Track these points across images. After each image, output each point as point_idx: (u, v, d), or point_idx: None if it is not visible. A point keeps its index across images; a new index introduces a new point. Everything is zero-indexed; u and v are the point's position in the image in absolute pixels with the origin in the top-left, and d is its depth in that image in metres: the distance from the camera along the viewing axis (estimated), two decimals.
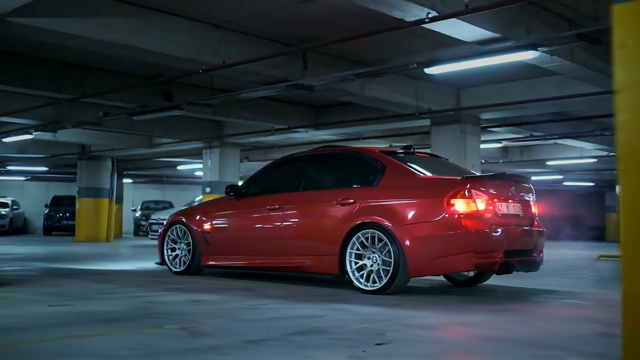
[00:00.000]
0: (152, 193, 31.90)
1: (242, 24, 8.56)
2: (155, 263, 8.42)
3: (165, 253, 7.96)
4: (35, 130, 14.31)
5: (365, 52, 9.71)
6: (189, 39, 8.26)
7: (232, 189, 7.60)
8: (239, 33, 8.79)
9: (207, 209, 7.91)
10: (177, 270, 7.83)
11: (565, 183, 28.13)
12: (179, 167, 23.65)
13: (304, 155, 7.48)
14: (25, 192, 30.61)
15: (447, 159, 7.45)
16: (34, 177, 29.38)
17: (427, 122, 13.64)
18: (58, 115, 13.51)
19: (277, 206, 6.92)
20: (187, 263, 7.72)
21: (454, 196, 5.75)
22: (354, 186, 6.49)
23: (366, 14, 8.03)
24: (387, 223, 5.93)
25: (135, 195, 31.17)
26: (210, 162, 16.81)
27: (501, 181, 6.25)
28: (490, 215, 5.86)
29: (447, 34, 7.01)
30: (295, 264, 6.74)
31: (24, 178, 29.31)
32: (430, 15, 6.04)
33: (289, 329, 4.28)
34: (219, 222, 7.61)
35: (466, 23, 6.60)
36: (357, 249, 6.16)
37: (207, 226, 7.59)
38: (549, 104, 10.71)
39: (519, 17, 7.25)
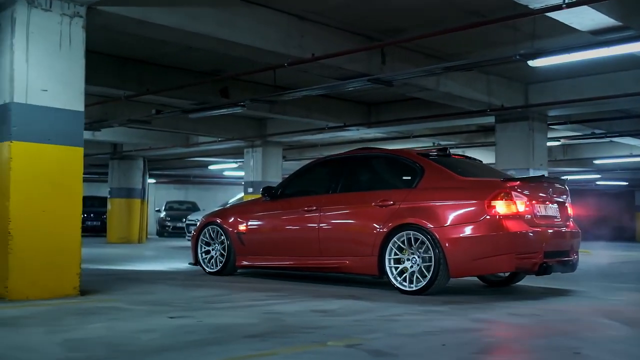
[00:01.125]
0: (175, 193, 31.46)
1: (326, 15, 8.11)
2: (189, 263, 8.41)
3: (199, 253, 8.04)
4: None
5: (443, 45, 9.24)
6: (274, 31, 7.82)
7: (267, 190, 7.67)
8: (322, 25, 8.33)
9: (242, 210, 8.01)
10: (212, 270, 7.93)
11: (598, 182, 27.59)
12: (210, 167, 23.19)
13: (340, 157, 7.53)
14: None
15: (481, 161, 7.50)
16: None
17: (479, 120, 13.23)
18: (103, 114, 13.09)
19: (315, 207, 6.99)
20: (222, 263, 7.83)
21: (495, 198, 5.86)
22: (392, 188, 6.61)
23: (460, 4, 7.62)
24: (427, 224, 6.03)
25: (157, 195, 30.72)
26: (253, 161, 16.36)
27: (539, 183, 6.42)
28: (529, 216, 5.96)
29: (566, 22, 6.55)
30: (333, 264, 6.83)
31: None
32: (567, 1, 5.58)
33: (465, 346, 3.92)
34: (255, 223, 7.68)
35: (593, 10, 6.15)
36: (397, 250, 6.25)
37: (242, 227, 7.68)
38: (630, 99, 10.22)
39: None
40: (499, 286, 7.10)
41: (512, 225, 5.82)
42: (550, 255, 6.05)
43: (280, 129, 15.68)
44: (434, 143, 17.61)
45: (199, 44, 7.72)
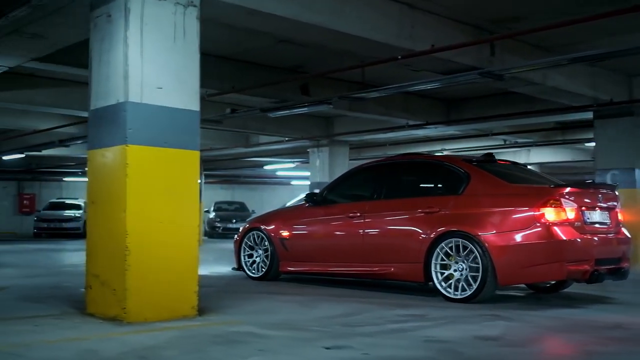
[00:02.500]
0: (221, 194, 31.00)
1: (436, 2, 7.40)
2: (232, 268, 8.38)
3: (243, 259, 8.06)
4: None
5: (550, 35, 8.46)
6: (386, 21, 7.15)
7: (311, 196, 7.74)
8: (432, 14, 7.63)
9: (285, 216, 8.06)
10: (255, 275, 7.94)
11: None
12: (266, 167, 22.65)
13: (384, 163, 7.58)
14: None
15: (527, 167, 7.39)
16: None
17: (573, 116, 12.40)
18: None
19: (359, 214, 6.96)
20: (266, 269, 7.83)
21: (545, 205, 5.78)
22: (438, 194, 6.62)
23: None
24: (474, 231, 5.97)
25: (204, 196, 30.31)
26: (319, 161, 15.75)
27: (589, 189, 6.35)
28: (579, 223, 5.88)
29: None
30: (378, 271, 6.78)
31: None
32: None
33: None
34: (298, 229, 7.68)
35: None
36: (443, 257, 6.20)
37: (285, 233, 7.70)
38: None
39: None
40: (547, 292, 7.03)
41: (562, 233, 5.76)
42: (602, 263, 5.94)
43: (348, 128, 15.07)
44: (505, 141, 16.84)
45: (309, 36, 7.12)
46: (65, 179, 28.33)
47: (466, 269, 6.04)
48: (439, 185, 6.87)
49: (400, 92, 10.20)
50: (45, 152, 18.67)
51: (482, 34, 8.05)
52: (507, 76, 8.28)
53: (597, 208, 6.18)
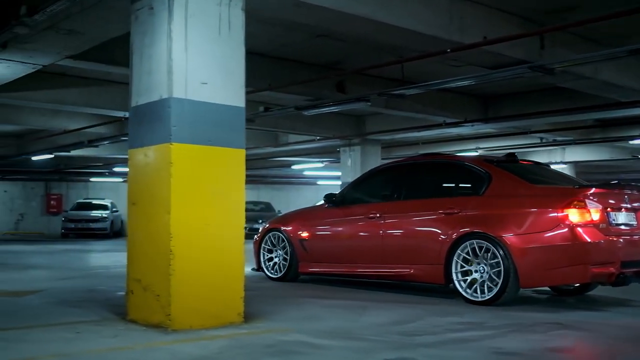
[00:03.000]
0: (247, 194, 30.55)
1: None
2: (252, 269, 8.30)
3: (262, 259, 8.04)
4: None
5: (605, 28, 8.06)
6: (434, 12, 6.83)
7: (330, 197, 7.62)
8: (481, 5, 7.30)
9: (305, 217, 7.97)
10: (275, 276, 7.89)
11: None
12: (294, 167, 22.39)
13: (404, 163, 7.47)
14: (121, 193, 29.93)
15: (550, 167, 7.24)
16: None
17: (606, 114, 11.95)
18: None
19: (378, 215, 6.88)
20: (285, 270, 7.78)
21: (568, 206, 5.67)
22: (458, 195, 6.50)
23: None
24: (496, 233, 5.87)
25: None
26: (350, 161, 15.46)
27: (615, 190, 6.21)
28: (605, 225, 5.75)
29: None
30: (398, 272, 6.71)
31: (120, 180, 28.62)
32: None
33: None
34: (318, 230, 7.60)
35: None
36: (464, 259, 6.11)
37: (304, 234, 7.62)
38: None
39: None
40: (571, 295, 6.89)
41: (586, 235, 5.63)
42: (628, 266, 5.76)
43: (380, 127, 14.75)
44: (541, 139, 16.39)
45: (352, 28, 6.81)
46: (92, 179, 28.34)
47: (488, 271, 5.96)
48: (460, 186, 6.76)
49: (438, 89, 9.88)
50: (73, 153, 18.61)
51: (531, 26, 7.70)
52: (557, 70, 7.92)
53: (622, 209, 6.02)
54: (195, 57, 4.99)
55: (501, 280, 5.81)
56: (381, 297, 6.77)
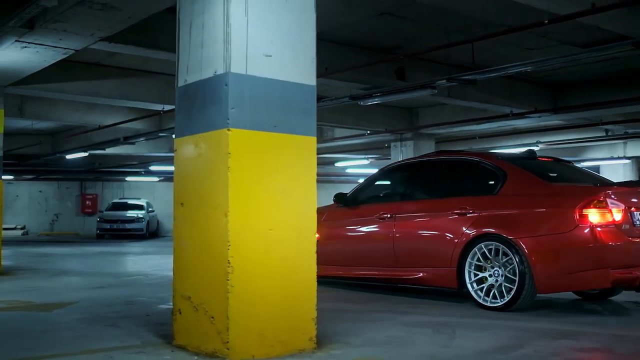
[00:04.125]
0: None
1: None
2: None
3: None
4: None
5: None
6: None
7: (340, 196, 7.35)
8: None
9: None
10: None
11: None
12: (337, 164, 21.41)
13: (415, 161, 7.23)
14: (156, 193, 29.37)
15: (572, 164, 6.86)
16: (167, 177, 28.04)
17: None
18: None
19: (389, 215, 6.63)
20: None
21: (587, 206, 5.38)
22: (472, 195, 6.17)
23: None
24: (510, 235, 5.61)
25: None
26: (402, 156, 14.38)
27: (638, 189, 5.81)
28: (628, 226, 5.45)
29: None
30: (409, 276, 6.44)
31: (156, 179, 28.01)
32: None
33: None
34: (327, 231, 7.18)
35: None
36: (477, 262, 5.84)
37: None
38: None
39: None
40: (595, 300, 6.51)
41: (607, 236, 5.34)
42: None
43: (434, 120, 13.71)
44: (606, 132, 15.16)
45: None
46: (128, 178, 27.73)
47: (502, 275, 5.69)
48: (474, 185, 6.39)
49: (504, 75, 8.81)
50: (108, 151, 17.95)
51: None
52: None
53: None
54: (258, 25, 4.05)
55: (516, 284, 5.53)
56: (455, 309, 5.84)
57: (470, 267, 5.85)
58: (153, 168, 23.35)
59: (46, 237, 25.90)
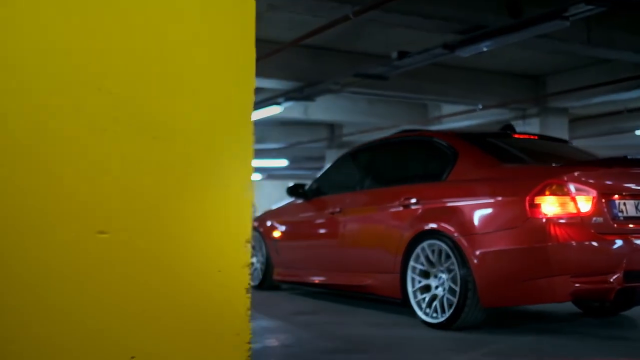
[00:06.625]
0: None
1: None
2: None
3: None
4: (286, 99, 10.01)
5: None
6: None
7: (293, 189, 6.41)
8: None
9: (277, 213, 6.89)
10: (254, 284, 6.39)
11: None
12: None
13: (375, 144, 5.97)
14: (262, 193, 27.54)
15: (569, 142, 5.63)
16: (270, 175, 26.25)
17: None
18: (315, 68, 9.07)
19: (339, 209, 5.65)
20: (262, 277, 6.74)
21: (541, 193, 4.12)
22: (420, 181, 5.03)
23: None
24: (450, 231, 4.42)
25: None
26: None
27: (620, 168, 4.37)
28: (601, 219, 4.12)
29: None
30: (355, 283, 5.37)
31: (260, 177, 26.27)
32: None
33: None
34: (285, 229, 6.56)
35: None
36: (422, 266, 4.66)
37: (276, 234, 6.63)
38: None
39: None
40: (602, 315, 5.04)
41: (567, 233, 4.07)
42: (636, 277, 4.08)
43: (565, 85, 10.63)
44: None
45: None
46: None
47: (447, 284, 4.47)
48: (423, 169, 5.31)
49: None
50: None
51: None
52: None
53: (633, 196, 4.30)
54: None
55: (457, 296, 4.32)
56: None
57: (414, 272, 4.72)
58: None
59: None
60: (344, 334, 4.35)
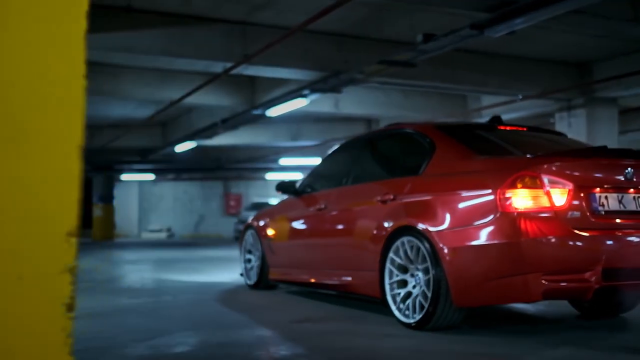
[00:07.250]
0: None
1: None
2: (240, 274, 7.13)
3: (243, 263, 7.01)
4: (312, 91, 9.48)
5: None
6: None
7: (283, 185, 6.30)
8: None
9: (272, 211, 6.78)
10: (250, 283, 6.81)
11: None
12: None
13: (363, 137, 5.87)
14: None
15: (563, 135, 5.22)
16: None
17: None
18: (339, 57, 8.54)
19: (324, 206, 5.60)
20: (258, 275, 6.63)
21: (513, 185, 3.93)
22: (397, 176, 4.91)
23: None
24: (423, 228, 4.26)
25: None
26: (570, 133, 10.50)
27: (601, 159, 4.12)
28: (579, 213, 3.93)
29: None
30: (338, 282, 5.29)
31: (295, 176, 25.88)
32: None
33: None
34: (278, 227, 6.41)
35: None
36: (399, 264, 4.49)
37: (270, 232, 6.51)
38: None
39: None
40: (598, 317, 4.78)
41: (539, 228, 3.86)
42: (615, 276, 3.87)
43: (613, 71, 9.80)
44: None
45: None
46: (267, 175, 25.85)
47: (423, 282, 4.30)
48: (402, 163, 5.10)
49: None
50: (223, 142, 15.86)
51: None
52: None
53: (622, 189, 4.06)
54: None
55: (430, 295, 4.14)
56: None
57: (392, 265, 4.56)
58: (285, 161, 21.12)
59: (180, 239, 24.86)
60: (344, 347, 3.78)
